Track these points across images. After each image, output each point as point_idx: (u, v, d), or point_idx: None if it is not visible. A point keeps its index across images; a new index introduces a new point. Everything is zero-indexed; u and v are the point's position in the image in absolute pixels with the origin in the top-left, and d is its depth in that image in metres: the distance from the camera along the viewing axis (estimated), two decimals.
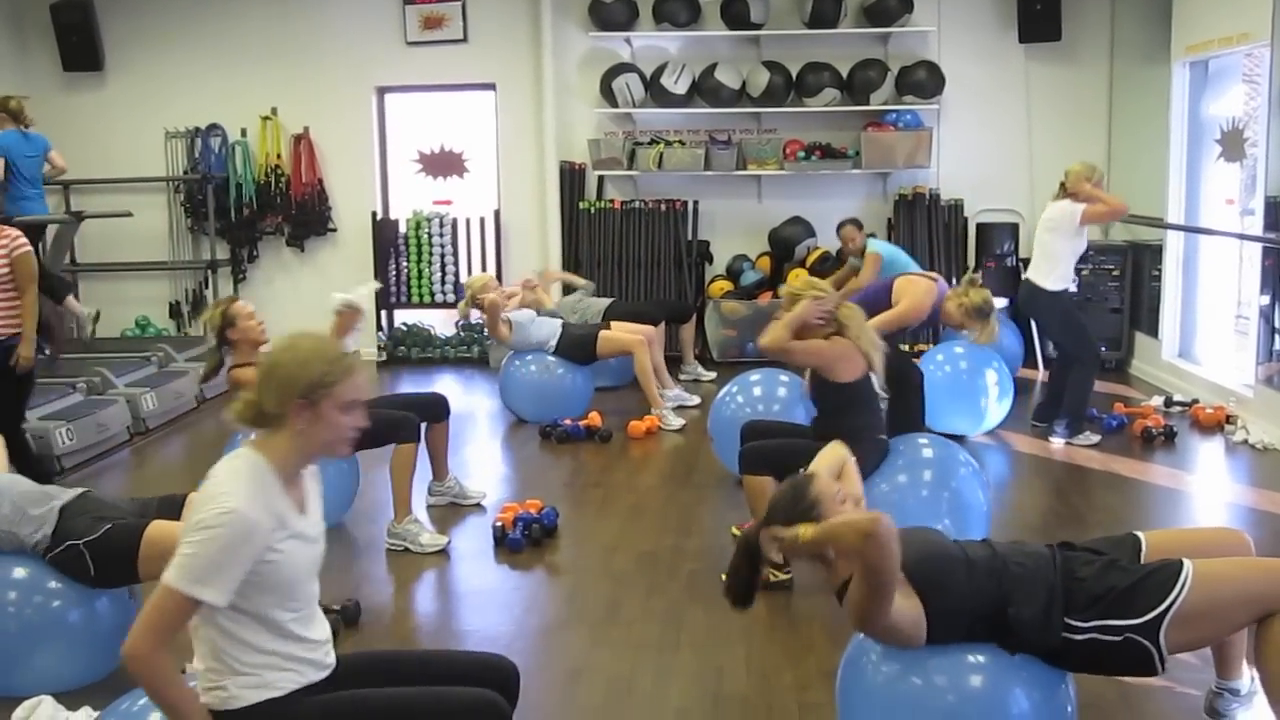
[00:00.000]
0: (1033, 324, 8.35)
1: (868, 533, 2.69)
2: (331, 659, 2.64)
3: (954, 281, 9.40)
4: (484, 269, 9.92)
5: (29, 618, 3.68)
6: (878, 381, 4.87)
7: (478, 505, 5.78)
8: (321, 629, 2.62)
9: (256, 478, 2.46)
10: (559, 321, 7.67)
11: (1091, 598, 2.88)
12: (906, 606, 2.82)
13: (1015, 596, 2.89)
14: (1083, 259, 7.18)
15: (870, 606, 2.77)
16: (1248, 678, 3.32)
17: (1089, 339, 6.89)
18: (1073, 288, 6.96)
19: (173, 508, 3.85)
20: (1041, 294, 6.79)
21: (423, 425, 5.44)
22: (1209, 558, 2.99)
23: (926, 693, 2.88)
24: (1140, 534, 3.18)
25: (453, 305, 9.92)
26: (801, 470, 3.16)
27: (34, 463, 5.62)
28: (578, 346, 7.52)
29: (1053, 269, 6.75)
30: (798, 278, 6.65)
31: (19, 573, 3.70)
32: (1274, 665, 2.83)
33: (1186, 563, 2.88)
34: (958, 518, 4.56)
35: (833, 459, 3.49)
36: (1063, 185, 6.81)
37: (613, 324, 7.90)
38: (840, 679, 3.12)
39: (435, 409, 5.60)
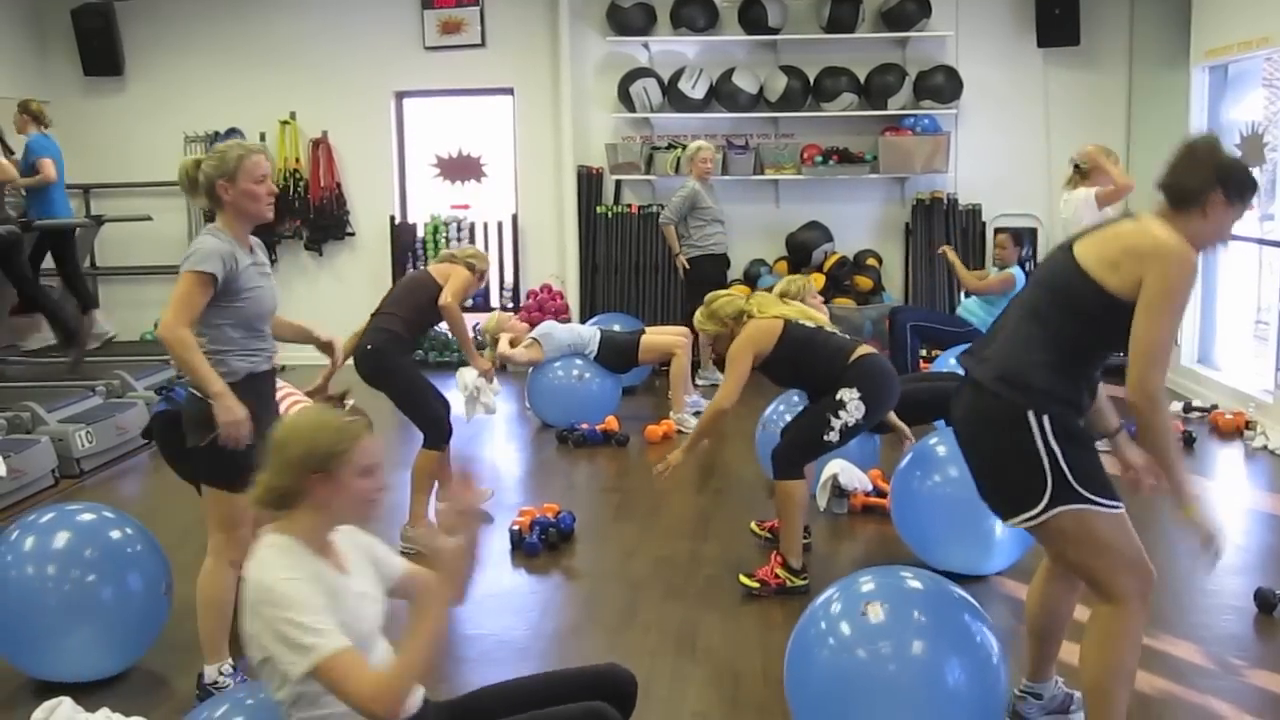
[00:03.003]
0: None
1: None
2: None
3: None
4: (501, 274, 9.95)
5: (66, 593, 3.70)
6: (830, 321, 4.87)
7: (489, 516, 5.75)
8: None
9: (288, 553, 2.47)
10: (596, 328, 7.69)
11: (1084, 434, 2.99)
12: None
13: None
14: None
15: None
16: (1054, 684, 3.40)
17: None
18: None
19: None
20: None
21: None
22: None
23: (869, 663, 2.94)
24: None
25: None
26: None
27: None
28: (618, 353, 7.52)
29: None
30: None
31: (59, 540, 3.77)
32: (1095, 658, 2.97)
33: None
34: None
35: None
36: (1076, 167, 6.77)
37: (648, 328, 7.93)
38: (788, 653, 3.17)
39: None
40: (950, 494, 4.52)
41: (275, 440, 2.51)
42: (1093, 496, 2.91)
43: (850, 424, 4.55)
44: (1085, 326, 2.87)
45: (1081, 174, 6.72)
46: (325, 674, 2.34)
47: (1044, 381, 2.90)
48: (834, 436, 4.57)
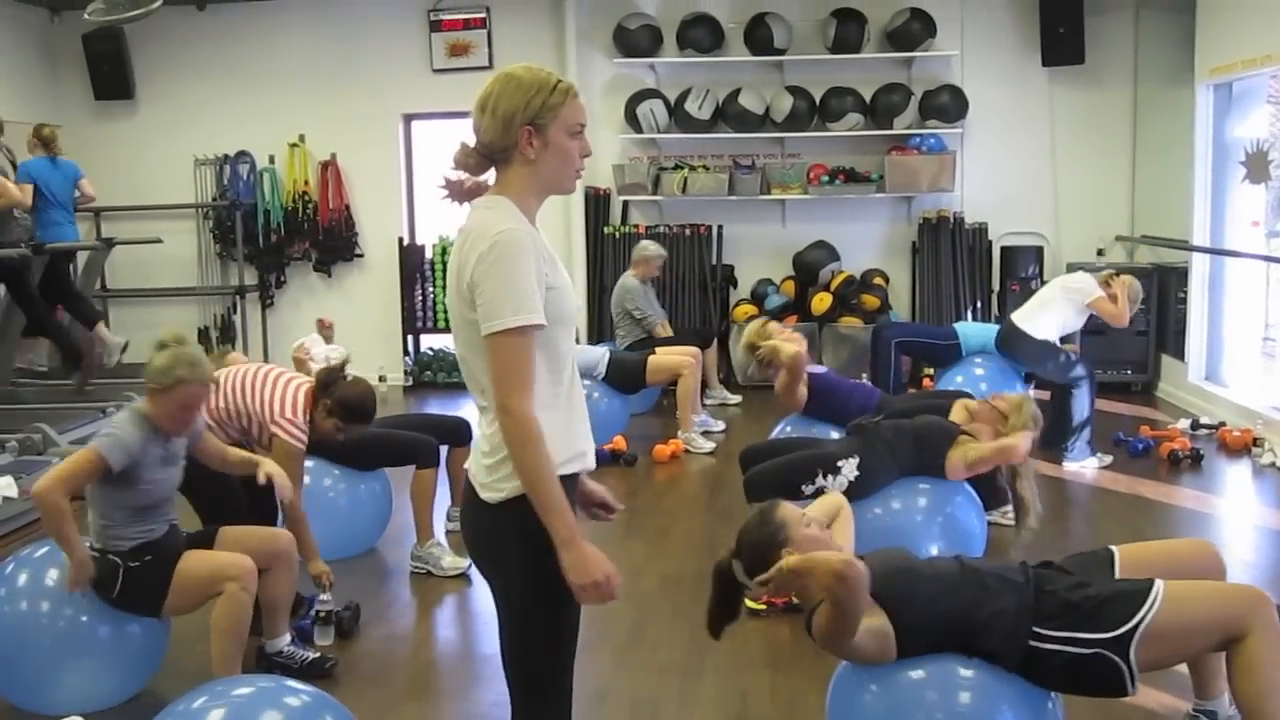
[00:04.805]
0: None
1: (839, 574, 2.75)
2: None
3: (977, 305, 9.42)
4: None
5: (61, 630, 3.68)
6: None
7: None
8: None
9: (509, 210, 2.42)
10: (605, 349, 7.70)
11: (1061, 607, 2.90)
12: (875, 626, 2.87)
13: (983, 604, 2.92)
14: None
15: (835, 633, 2.85)
16: (1226, 699, 3.30)
17: (1073, 364, 6.75)
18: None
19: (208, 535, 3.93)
20: (1023, 336, 6.71)
21: (444, 449, 5.44)
22: (1181, 573, 3.03)
23: (916, 709, 2.88)
24: (1114, 548, 3.21)
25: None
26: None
27: None
28: (626, 374, 7.52)
29: (1041, 322, 6.70)
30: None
31: (52, 577, 3.73)
32: (1246, 688, 2.85)
33: (1158, 582, 2.90)
34: (952, 541, 4.53)
35: (829, 505, 3.56)
36: (1115, 274, 6.79)
37: (656, 349, 7.92)
38: (830, 696, 3.13)
39: (457, 433, 5.57)
40: (889, 524, 4.58)
41: (484, 96, 2.41)
42: (1135, 621, 2.82)
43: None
44: None
45: (1105, 280, 6.74)
46: (499, 343, 2.28)
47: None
48: (809, 490, 4.64)
